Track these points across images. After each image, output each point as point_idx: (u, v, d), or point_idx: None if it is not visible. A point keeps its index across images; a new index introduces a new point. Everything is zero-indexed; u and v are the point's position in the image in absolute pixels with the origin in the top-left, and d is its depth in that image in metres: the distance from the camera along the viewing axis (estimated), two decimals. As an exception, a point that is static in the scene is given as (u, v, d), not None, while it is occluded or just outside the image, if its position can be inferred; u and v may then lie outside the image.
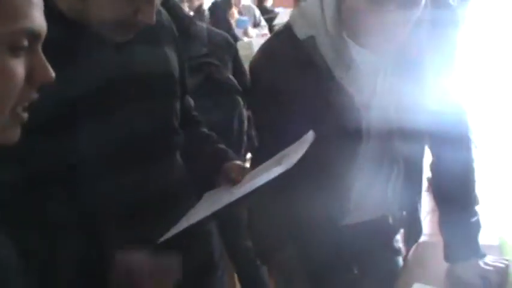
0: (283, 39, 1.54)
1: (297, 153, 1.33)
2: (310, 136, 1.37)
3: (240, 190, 1.38)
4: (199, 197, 1.53)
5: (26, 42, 0.80)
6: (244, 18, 6.12)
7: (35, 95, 0.85)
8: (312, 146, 1.34)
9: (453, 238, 1.67)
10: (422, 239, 1.85)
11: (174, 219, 1.37)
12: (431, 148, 1.71)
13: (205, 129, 1.74)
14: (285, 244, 1.65)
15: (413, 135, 1.56)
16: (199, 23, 3.05)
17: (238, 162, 1.57)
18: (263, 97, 1.58)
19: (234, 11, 5.35)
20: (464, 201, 1.67)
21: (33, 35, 0.82)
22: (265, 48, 1.61)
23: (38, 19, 0.82)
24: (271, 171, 1.31)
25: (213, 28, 3.24)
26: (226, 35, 3.23)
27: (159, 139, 1.47)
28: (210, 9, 5.45)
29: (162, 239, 1.32)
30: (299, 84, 1.45)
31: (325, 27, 1.44)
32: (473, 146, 1.68)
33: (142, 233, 1.34)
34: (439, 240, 1.72)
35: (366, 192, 1.63)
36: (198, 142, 1.68)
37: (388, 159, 1.61)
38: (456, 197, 1.67)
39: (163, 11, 1.57)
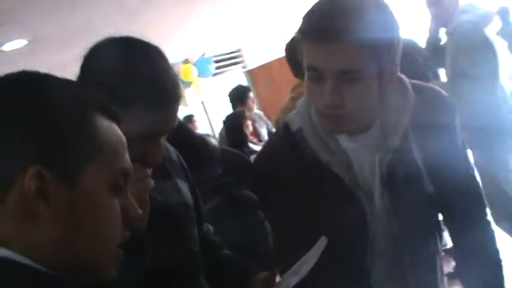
0: (280, 134, 1.65)
1: (311, 260, 1.40)
2: (323, 242, 1.43)
3: None
4: None
5: (122, 182, 0.89)
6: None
7: (128, 234, 0.92)
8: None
9: None
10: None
11: None
12: (449, 232, 1.71)
13: (226, 251, 1.78)
14: None
15: (415, 221, 1.55)
16: (212, 143, 3.09)
17: (263, 276, 1.63)
18: (263, 188, 1.66)
19: (249, 122, 5.39)
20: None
21: (126, 175, 0.90)
22: (265, 143, 1.77)
23: (129, 160, 0.91)
24: (290, 281, 1.39)
25: (226, 147, 3.28)
26: (239, 152, 3.26)
27: (180, 267, 1.51)
28: (224, 122, 5.50)
29: None
30: (292, 174, 1.51)
31: (310, 118, 1.52)
32: (491, 226, 1.67)
33: None
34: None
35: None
36: (220, 265, 1.72)
37: (398, 250, 1.58)
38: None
39: (169, 146, 1.64)
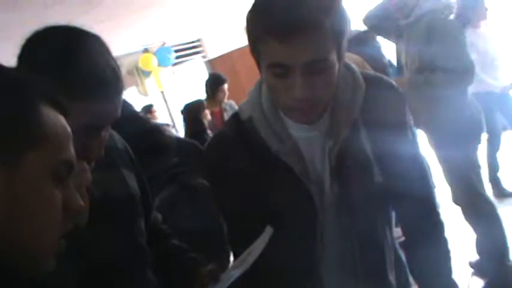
0: (230, 122, 1.63)
1: (256, 250, 1.39)
2: (268, 232, 1.42)
3: None
4: None
5: (65, 173, 0.89)
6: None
7: (70, 225, 0.92)
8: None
9: None
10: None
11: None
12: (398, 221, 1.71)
13: (175, 241, 1.76)
14: None
15: (365, 212, 1.56)
16: (168, 132, 3.10)
17: (211, 267, 1.62)
18: (212, 177, 1.66)
19: (207, 112, 5.40)
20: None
21: (70, 166, 0.90)
22: (216, 132, 1.73)
23: (73, 152, 0.92)
24: (235, 272, 1.39)
25: (182, 137, 3.29)
26: (194, 142, 3.27)
27: (126, 260, 1.48)
28: (182, 111, 5.50)
29: None
30: (241, 163, 1.50)
31: (261, 107, 1.52)
32: (440, 216, 1.68)
33: None
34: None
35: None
36: (168, 256, 1.70)
37: (347, 237, 1.59)
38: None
39: (116, 135, 1.61)
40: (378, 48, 4.70)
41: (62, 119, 0.92)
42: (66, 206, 0.90)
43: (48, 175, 0.86)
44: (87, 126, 1.25)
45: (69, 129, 0.92)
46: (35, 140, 0.85)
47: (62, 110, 0.93)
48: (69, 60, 1.25)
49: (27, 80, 0.91)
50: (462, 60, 3.37)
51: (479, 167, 3.71)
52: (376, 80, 1.59)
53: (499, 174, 5.62)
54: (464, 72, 3.39)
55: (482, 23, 5.42)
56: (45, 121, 0.87)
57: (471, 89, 5.46)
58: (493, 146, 5.54)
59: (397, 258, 1.71)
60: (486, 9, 5.36)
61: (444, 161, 3.71)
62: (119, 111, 1.34)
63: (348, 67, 1.53)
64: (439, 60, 3.38)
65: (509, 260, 3.78)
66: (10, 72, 0.90)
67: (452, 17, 3.69)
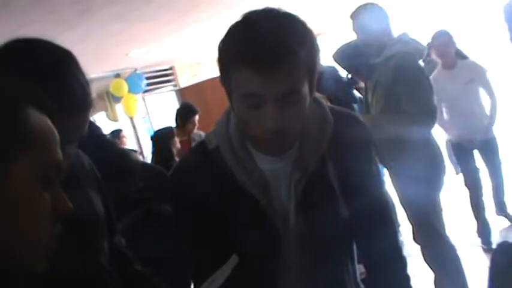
0: (196, 150, 1.62)
1: (220, 277, 1.40)
2: (233, 260, 1.43)
3: None
4: None
5: (54, 175, 0.89)
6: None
7: (59, 227, 0.92)
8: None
9: None
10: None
11: None
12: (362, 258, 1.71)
13: (137, 267, 1.75)
14: None
15: (328, 245, 1.55)
16: (133, 157, 3.09)
17: None
18: (174, 205, 1.62)
19: (177, 139, 5.40)
20: None
21: (59, 168, 0.91)
22: (181, 159, 1.72)
23: (61, 155, 0.92)
24: None
25: (147, 163, 3.29)
26: (160, 168, 3.27)
27: (88, 280, 1.46)
28: (152, 137, 5.49)
29: None
30: (206, 192, 1.49)
31: (229, 137, 1.51)
32: (402, 253, 1.68)
33: None
34: None
35: None
36: (131, 281, 1.69)
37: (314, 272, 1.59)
38: None
39: (84, 155, 1.60)
40: (344, 84, 4.73)
41: (49, 121, 0.92)
42: (55, 208, 0.90)
43: (37, 178, 0.87)
44: None
45: (56, 131, 0.93)
46: (23, 144, 0.86)
47: (48, 112, 0.93)
48: (36, 73, 1.22)
49: (11, 84, 0.91)
50: (425, 105, 3.41)
51: (440, 209, 3.69)
52: (344, 115, 1.60)
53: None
54: (426, 116, 3.43)
55: (459, 64, 5.09)
56: (33, 124, 0.88)
57: (446, 136, 5.35)
58: (475, 190, 5.25)
59: None
60: (450, 48, 5.07)
61: (405, 201, 3.72)
62: (86, 127, 1.33)
63: (317, 101, 1.54)
64: (403, 103, 3.41)
65: None
66: None
67: (421, 61, 3.69)
